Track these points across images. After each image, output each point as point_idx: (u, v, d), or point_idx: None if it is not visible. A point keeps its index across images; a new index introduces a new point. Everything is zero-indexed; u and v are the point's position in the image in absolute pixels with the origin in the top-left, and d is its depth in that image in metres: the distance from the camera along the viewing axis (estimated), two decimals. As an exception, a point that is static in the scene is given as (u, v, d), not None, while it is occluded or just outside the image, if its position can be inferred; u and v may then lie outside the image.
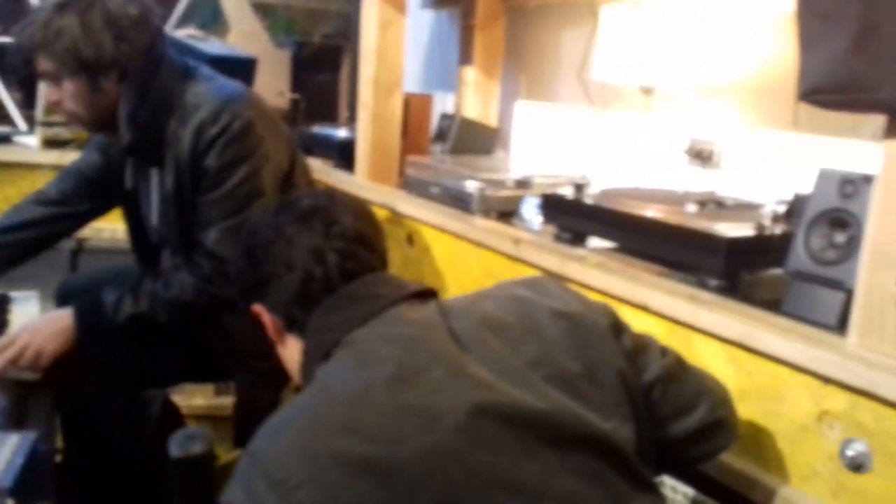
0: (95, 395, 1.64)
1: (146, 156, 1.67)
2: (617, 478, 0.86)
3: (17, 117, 3.68)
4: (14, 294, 1.75)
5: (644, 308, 1.32)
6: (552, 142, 2.35)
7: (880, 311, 1.02)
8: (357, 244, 1.02)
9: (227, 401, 2.38)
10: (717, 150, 1.84)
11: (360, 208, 1.09)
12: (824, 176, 1.17)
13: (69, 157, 2.41)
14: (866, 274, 1.03)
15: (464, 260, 1.83)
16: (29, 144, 2.50)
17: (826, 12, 0.95)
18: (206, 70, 1.71)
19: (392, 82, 2.19)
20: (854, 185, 1.12)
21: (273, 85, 3.68)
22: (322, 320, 0.95)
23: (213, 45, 2.48)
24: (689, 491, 1.32)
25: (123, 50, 1.52)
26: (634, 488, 0.88)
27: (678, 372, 1.01)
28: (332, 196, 1.08)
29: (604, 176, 2.07)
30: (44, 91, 2.44)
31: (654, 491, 0.92)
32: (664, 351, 1.03)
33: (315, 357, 0.92)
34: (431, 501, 0.75)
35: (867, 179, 1.09)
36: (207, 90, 1.61)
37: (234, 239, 1.49)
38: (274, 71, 3.83)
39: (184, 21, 3.83)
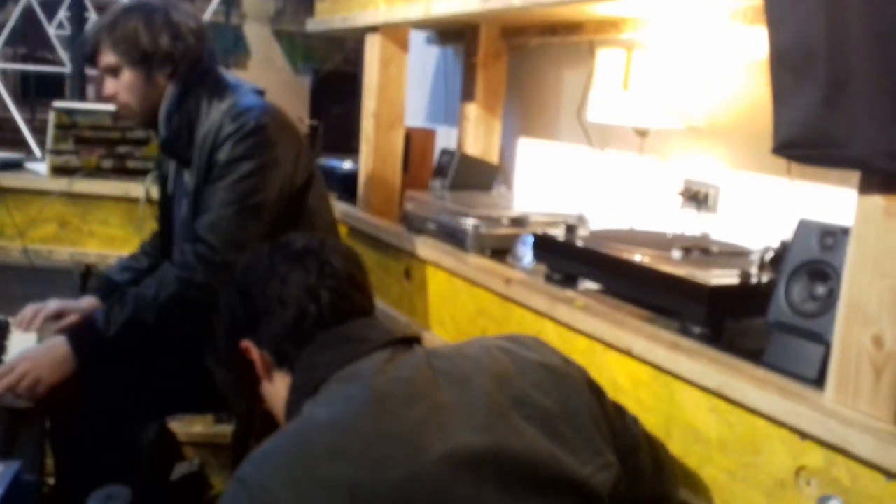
0: (90, 422, 1.66)
1: (178, 154, 1.76)
2: None
3: (32, 143, 3.77)
4: (12, 319, 1.78)
5: (628, 353, 1.32)
6: (553, 179, 2.36)
7: (856, 367, 1.01)
8: (349, 285, 1.05)
9: (227, 429, 2.38)
10: (713, 193, 1.84)
11: (349, 252, 1.12)
12: (804, 226, 1.17)
13: (78, 185, 2.47)
14: (842, 329, 1.03)
15: (458, 296, 1.84)
16: (39, 171, 2.55)
17: (798, 67, 0.96)
18: (246, 88, 1.80)
19: (393, 117, 2.22)
20: (834, 238, 1.12)
21: (292, 111, 3.73)
22: (313, 358, 0.97)
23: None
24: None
25: (178, 48, 1.69)
26: None
27: (648, 442, 1.07)
28: (324, 240, 1.11)
29: (602, 215, 2.08)
30: (52, 119, 2.50)
31: None
32: (636, 420, 1.08)
33: (304, 392, 0.94)
34: None
35: (845, 232, 1.08)
36: (236, 100, 1.71)
37: (225, 227, 1.59)
38: (293, 97, 3.90)
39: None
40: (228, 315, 1.09)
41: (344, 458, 0.79)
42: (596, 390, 1.02)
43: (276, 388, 1.03)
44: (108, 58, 1.70)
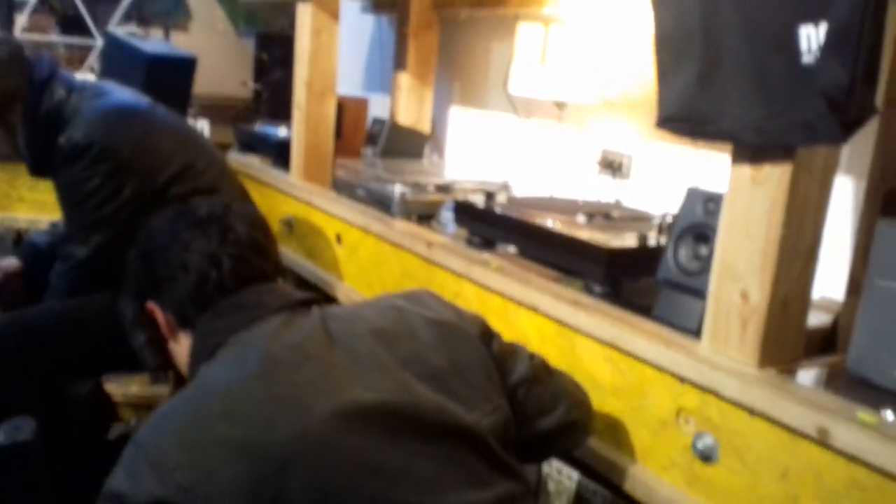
0: (19, 382, 1.70)
1: (48, 173, 1.81)
2: (479, 464, 0.95)
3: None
4: None
5: (535, 309, 1.42)
6: (483, 147, 2.45)
7: (726, 319, 1.14)
8: (251, 251, 1.09)
9: (163, 390, 2.42)
10: (626, 162, 1.96)
11: (254, 218, 1.16)
12: (691, 194, 1.28)
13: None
14: (715, 285, 1.15)
15: (385, 260, 1.92)
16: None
17: (677, 49, 1.06)
18: (93, 84, 1.84)
19: (325, 85, 2.27)
20: (715, 203, 1.23)
21: (236, 75, 3.73)
22: (209, 325, 1.02)
23: (152, 44, 2.52)
24: (574, 474, 1.43)
25: (9, 85, 1.70)
26: (496, 474, 0.97)
27: (542, 375, 1.12)
28: (229, 206, 1.15)
29: (525, 182, 2.18)
30: None
31: (518, 478, 1.00)
32: (532, 356, 1.14)
33: (202, 356, 0.99)
34: (301, 481, 0.82)
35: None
36: (82, 106, 1.74)
37: (88, 240, 1.71)
38: (237, 61, 3.87)
39: (143, 7, 3.85)
40: (133, 278, 1.14)
41: (234, 420, 0.84)
42: (488, 337, 1.08)
43: (182, 348, 1.08)
44: None
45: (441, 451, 0.93)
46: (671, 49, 1.07)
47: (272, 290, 1.07)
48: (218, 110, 3.38)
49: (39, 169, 1.80)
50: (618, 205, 1.82)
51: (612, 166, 1.98)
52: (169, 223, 1.12)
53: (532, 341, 1.45)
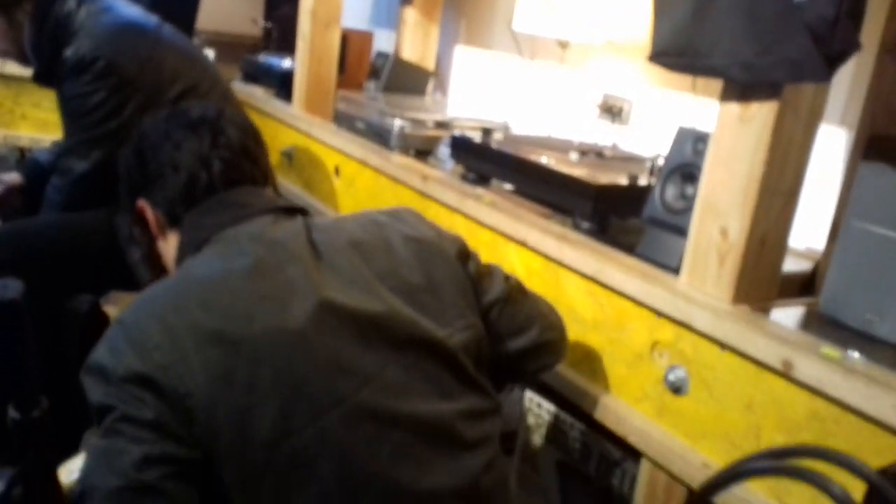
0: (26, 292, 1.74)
1: (52, 82, 1.80)
2: (448, 377, 0.98)
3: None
4: None
5: (523, 244, 1.45)
6: (486, 87, 2.45)
7: (705, 255, 1.16)
8: (241, 156, 1.11)
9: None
10: (627, 107, 1.96)
11: (246, 124, 1.18)
12: (682, 133, 1.29)
13: (11, 66, 2.45)
14: (696, 221, 1.17)
15: (382, 193, 1.94)
16: None
17: (675, -18, 1.06)
18: (106, 1, 1.82)
19: (330, 16, 2.26)
20: (705, 143, 1.24)
21: (247, 12, 3.69)
22: (196, 220, 1.05)
23: (159, -33, 2.49)
24: (552, 407, 1.48)
25: None
26: (466, 388, 1.00)
27: (516, 296, 1.14)
28: (222, 110, 1.17)
29: (526, 124, 2.18)
30: None
31: (487, 395, 1.03)
32: (507, 277, 1.15)
33: (188, 250, 1.02)
34: (272, 375, 0.86)
35: (713, 138, 1.21)
36: (91, 20, 1.74)
37: (88, 154, 1.74)
38: (247, -3, 3.83)
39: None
40: (126, 175, 1.16)
41: (213, 310, 0.87)
42: (465, 257, 1.10)
43: (169, 246, 1.10)
44: None
45: (411, 361, 0.95)
46: (668, -18, 1.07)
47: (260, 192, 1.10)
48: (227, 48, 3.34)
49: (44, 77, 1.80)
50: (613, 147, 1.83)
51: (611, 111, 1.98)
52: (162, 123, 1.13)
53: (520, 274, 1.47)
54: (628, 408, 1.26)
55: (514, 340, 1.11)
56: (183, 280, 0.94)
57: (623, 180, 1.42)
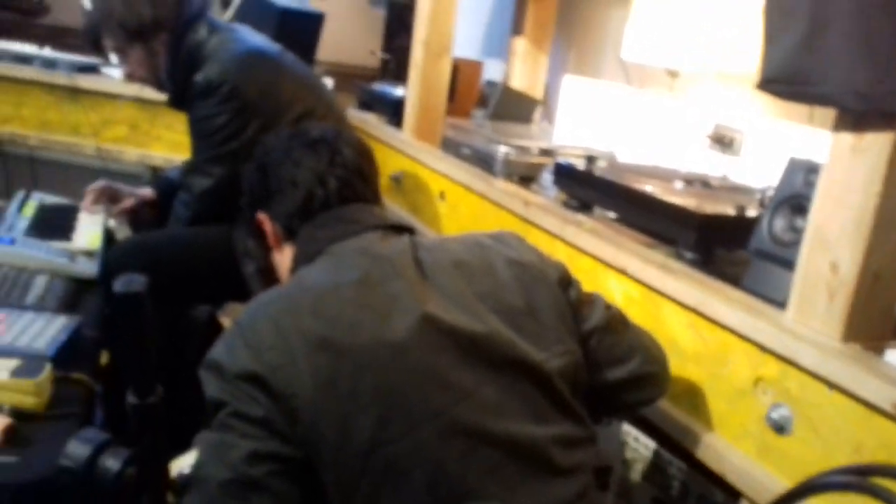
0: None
1: (184, 106, 1.93)
2: (543, 401, 0.99)
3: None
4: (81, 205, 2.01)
5: (623, 272, 1.43)
6: (594, 116, 2.44)
7: (813, 290, 1.11)
8: (355, 175, 1.17)
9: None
10: (738, 137, 1.91)
11: (361, 145, 1.24)
12: (793, 164, 1.25)
13: (149, 90, 2.65)
14: (805, 255, 1.12)
15: (485, 218, 1.97)
16: (113, 76, 2.74)
17: (787, 8, 1.04)
18: (233, 27, 1.94)
19: (442, 46, 2.32)
20: (817, 174, 1.19)
21: (365, 44, 3.83)
22: (311, 233, 1.11)
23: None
24: (650, 443, 1.44)
25: (161, 13, 1.82)
26: (561, 414, 1.00)
27: (617, 325, 1.13)
28: (340, 131, 1.23)
29: (634, 152, 2.16)
30: None
31: (583, 423, 1.03)
32: (608, 307, 1.15)
33: (302, 261, 1.08)
34: (373, 384, 0.89)
35: (826, 169, 1.16)
36: (220, 47, 1.85)
37: (210, 172, 1.84)
38: (367, 30, 3.96)
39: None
40: (248, 188, 1.23)
41: (321, 317, 0.92)
42: (566, 283, 1.11)
43: (284, 258, 1.17)
44: (107, 42, 1.85)
45: (507, 382, 0.97)
46: (779, 9, 1.04)
47: (371, 210, 1.15)
48: (345, 78, 3.47)
49: (177, 102, 1.94)
50: (723, 178, 1.78)
51: (722, 141, 1.93)
52: (284, 141, 1.20)
53: (618, 304, 1.46)
54: (728, 445, 1.22)
55: (613, 370, 1.11)
56: (296, 287, 1.00)
57: (730, 210, 1.38)
